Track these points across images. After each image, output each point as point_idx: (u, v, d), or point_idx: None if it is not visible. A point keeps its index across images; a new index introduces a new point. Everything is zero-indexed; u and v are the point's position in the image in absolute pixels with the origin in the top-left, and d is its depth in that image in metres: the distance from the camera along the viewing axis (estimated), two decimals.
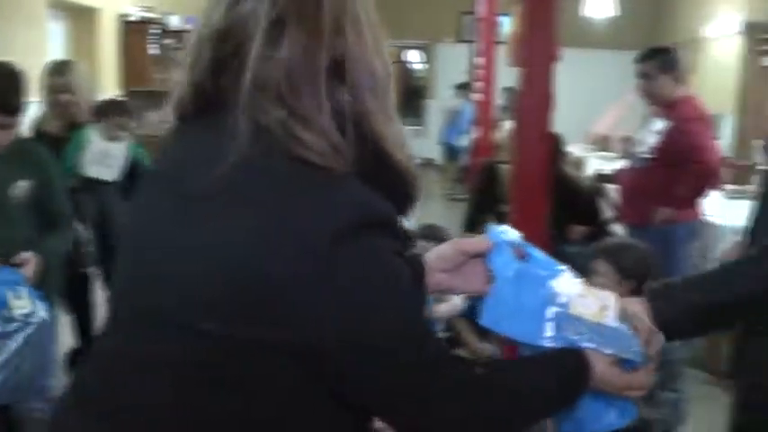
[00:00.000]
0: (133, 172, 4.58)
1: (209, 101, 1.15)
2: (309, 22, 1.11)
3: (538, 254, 1.38)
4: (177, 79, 1.20)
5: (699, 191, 4.85)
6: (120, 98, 6.55)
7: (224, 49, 1.13)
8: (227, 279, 1.06)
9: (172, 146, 1.23)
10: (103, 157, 4.54)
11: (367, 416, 1.25)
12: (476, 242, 1.42)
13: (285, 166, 1.07)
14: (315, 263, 1.04)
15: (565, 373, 1.30)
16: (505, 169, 6.26)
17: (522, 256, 1.36)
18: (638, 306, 1.54)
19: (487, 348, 3.73)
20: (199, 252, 1.09)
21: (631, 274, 3.11)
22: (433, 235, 4.13)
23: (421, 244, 4.16)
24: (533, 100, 3.34)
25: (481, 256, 1.40)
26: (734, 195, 6.30)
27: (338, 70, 1.12)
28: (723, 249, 4.47)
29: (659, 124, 4.89)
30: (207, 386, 1.12)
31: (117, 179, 4.59)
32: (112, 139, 4.58)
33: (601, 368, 1.31)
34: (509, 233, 1.39)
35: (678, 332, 1.56)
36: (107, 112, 4.63)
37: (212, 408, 1.12)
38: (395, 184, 1.15)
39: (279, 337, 1.07)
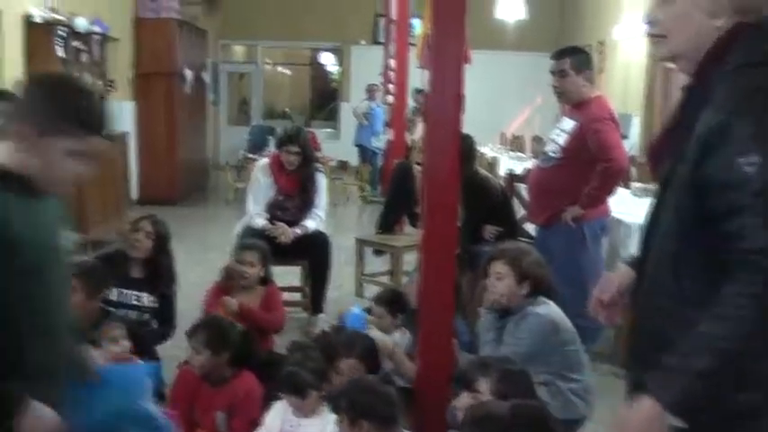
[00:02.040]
0: None
1: None
2: None
3: None
4: None
5: (607, 189, 4.93)
6: None
7: None
8: None
9: None
10: None
11: None
12: None
13: None
14: None
15: None
16: (418, 170, 6.30)
17: None
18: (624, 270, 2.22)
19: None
20: None
21: (529, 276, 3.42)
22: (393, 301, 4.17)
23: (379, 310, 4.15)
24: (443, 101, 3.34)
25: None
26: (641, 193, 6.45)
27: None
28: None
29: (568, 123, 4.97)
30: None
31: None
32: None
33: None
34: None
35: None
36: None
37: None
38: None
39: None
